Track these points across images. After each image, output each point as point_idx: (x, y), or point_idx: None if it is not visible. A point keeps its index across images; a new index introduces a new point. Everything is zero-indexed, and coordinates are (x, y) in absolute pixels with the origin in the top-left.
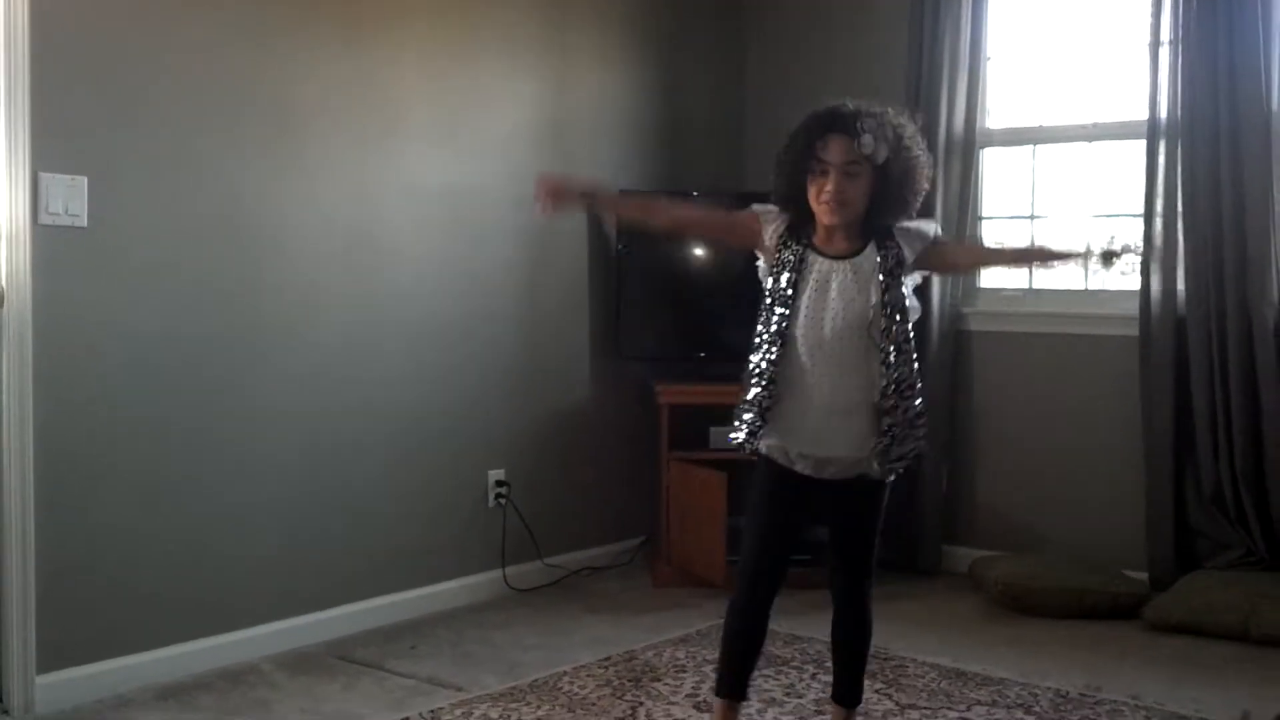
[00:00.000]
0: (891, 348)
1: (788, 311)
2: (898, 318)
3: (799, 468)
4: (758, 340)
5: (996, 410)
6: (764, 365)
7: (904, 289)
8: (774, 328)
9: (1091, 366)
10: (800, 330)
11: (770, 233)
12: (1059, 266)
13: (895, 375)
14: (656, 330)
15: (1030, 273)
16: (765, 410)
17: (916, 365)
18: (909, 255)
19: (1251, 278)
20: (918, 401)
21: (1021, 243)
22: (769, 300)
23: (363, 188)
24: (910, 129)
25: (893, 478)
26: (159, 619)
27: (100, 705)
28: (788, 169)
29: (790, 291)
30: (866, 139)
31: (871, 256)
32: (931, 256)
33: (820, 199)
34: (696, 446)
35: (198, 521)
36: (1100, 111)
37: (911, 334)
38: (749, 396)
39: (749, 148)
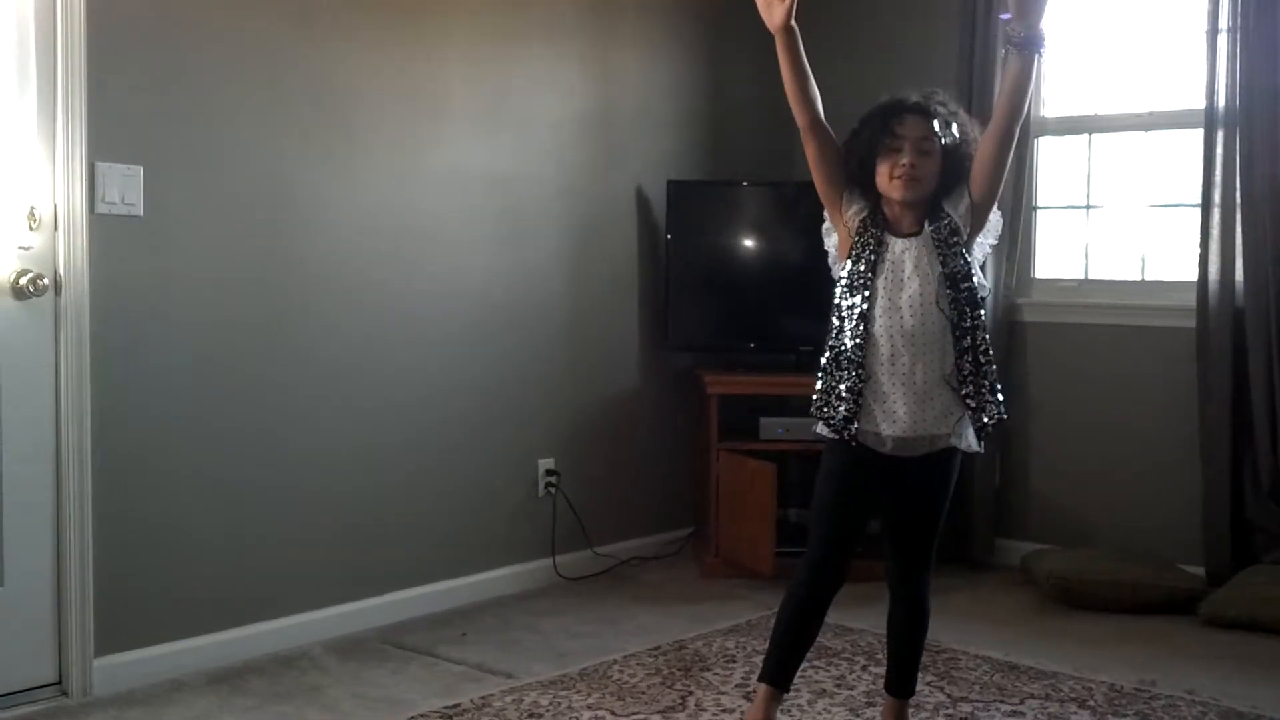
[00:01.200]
0: (959, 318)
1: (869, 293)
2: (963, 287)
3: (888, 449)
4: (838, 324)
5: (1050, 402)
6: (850, 348)
7: (967, 258)
8: (856, 312)
9: (1147, 358)
10: (880, 311)
11: (852, 213)
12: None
13: (966, 346)
14: (706, 320)
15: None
16: (859, 395)
17: (987, 337)
18: (959, 218)
19: None
20: (993, 370)
21: (1005, 81)
22: (846, 284)
23: (410, 177)
24: (964, 117)
25: (979, 448)
26: (212, 604)
27: (155, 688)
28: (861, 150)
29: (870, 275)
30: (945, 115)
31: (928, 231)
32: (970, 178)
33: (894, 174)
34: (745, 437)
35: (250, 508)
36: (1157, 100)
37: (980, 301)
38: (842, 384)
39: (797, 135)
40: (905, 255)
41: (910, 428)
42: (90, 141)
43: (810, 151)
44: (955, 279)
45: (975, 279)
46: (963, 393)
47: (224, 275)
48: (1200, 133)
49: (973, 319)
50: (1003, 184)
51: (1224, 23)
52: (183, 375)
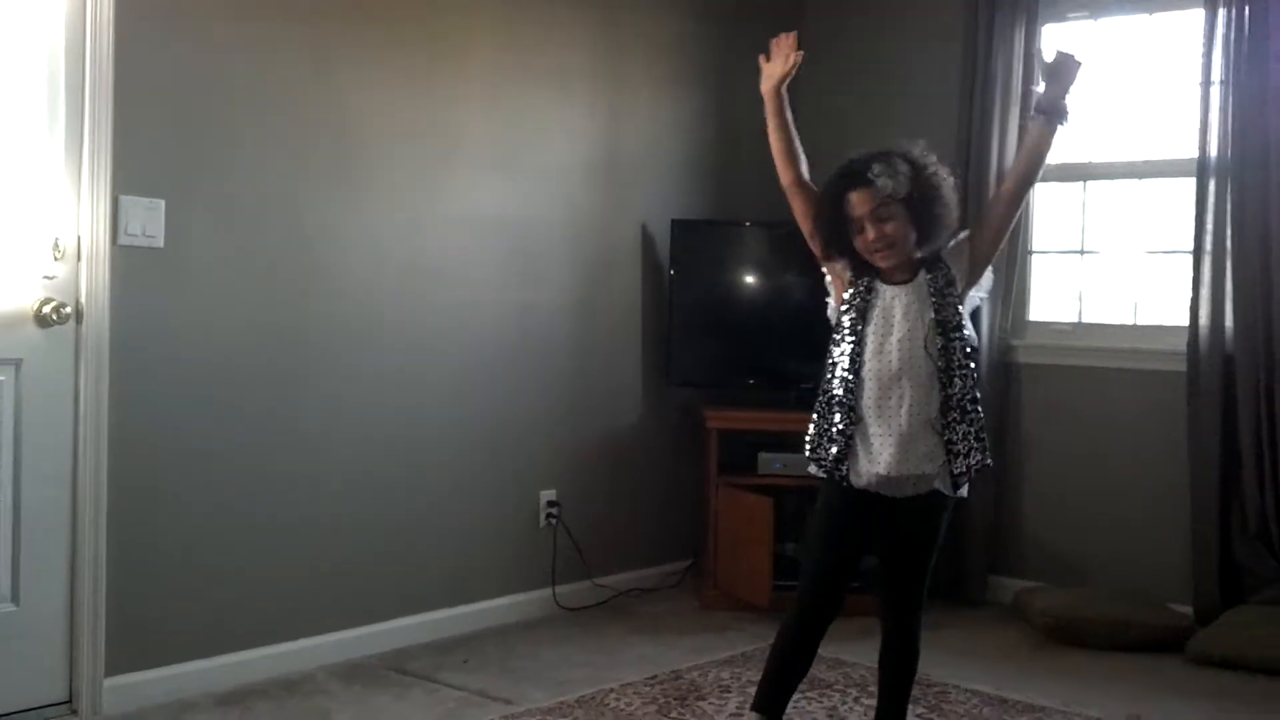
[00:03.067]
0: (947, 364)
1: (857, 338)
2: (952, 335)
3: (876, 489)
4: (831, 367)
5: (1043, 442)
6: (840, 393)
7: (959, 309)
8: (847, 358)
9: (1139, 400)
10: (869, 355)
11: (842, 265)
12: (1053, 136)
13: (953, 392)
14: (707, 356)
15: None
16: (849, 438)
17: (975, 385)
18: (957, 270)
19: None
20: (978, 418)
21: (1024, 145)
22: (838, 329)
23: (421, 216)
24: (917, 150)
25: (962, 494)
26: (221, 627)
27: (163, 709)
28: (828, 233)
29: (860, 322)
30: (881, 181)
31: (923, 280)
32: (977, 234)
33: (869, 250)
34: (744, 471)
35: (260, 534)
36: (1150, 149)
37: (970, 353)
38: (834, 426)
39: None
40: (895, 301)
41: (894, 467)
42: (114, 176)
43: (796, 208)
44: (946, 327)
45: (967, 330)
46: (944, 437)
47: (239, 307)
48: (1193, 181)
49: (961, 367)
50: (1007, 237)
51: (1216, 75)
52: (197, 403)
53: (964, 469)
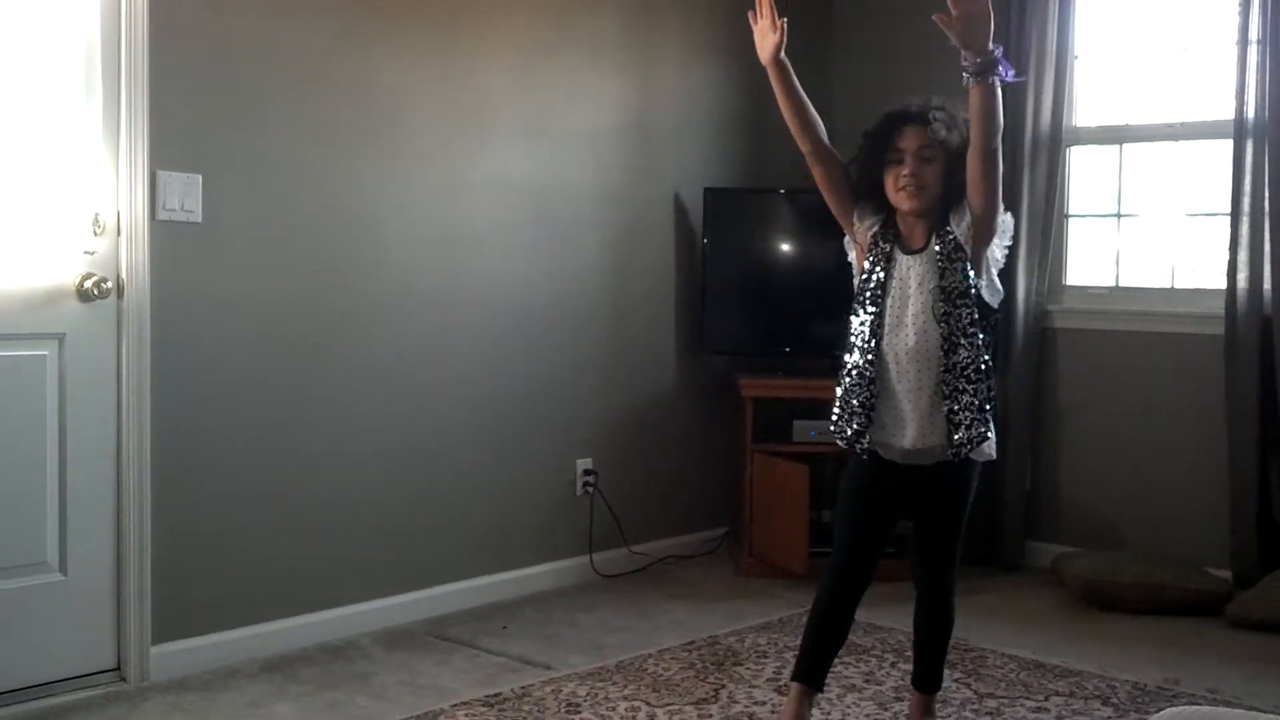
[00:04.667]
0: (949, 331)
1: (877, 310)
2: (957, 302)
3: (899, 459)
4: (852, 338)
5: (1081, 407)
6: (862, 364)
7: (968, 275)
8: (867, 327)
9: (1176, 364)
10: (888, 329)
11: (864, 228)
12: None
13: (956, 360)
14: (741, 325)
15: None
16: (870, 410)
17: (987, 355)
18: (962, 234)
19: None
20: (984, 388)
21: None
22: (861, 298)
23: (454, 184)
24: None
25: (970, 459)
26: (265, 595)
27: (210, 675)
28: (865, 164)
29: (880, 292)
30: (938, 125)
31: (934, 247)
32: (969, 193)
33: (899, 185)
34: (779, 439)
35: (302, 504)
36: (1187, 110)
37: (978, 320)
38: (854, 399)
39: (836, 144)
40: (910, 272)
41: (916, 439)
42: (152, 151)
43: (818, 176)
44: (951, 294)
45: (980, 288)
46: (944, 408)
47: (276, 280)
48: (1230, 143)
49: (966, 334)
50: (1000, 192)
51: (1254, 34)
52: (237, 375)
53: (964, 440)
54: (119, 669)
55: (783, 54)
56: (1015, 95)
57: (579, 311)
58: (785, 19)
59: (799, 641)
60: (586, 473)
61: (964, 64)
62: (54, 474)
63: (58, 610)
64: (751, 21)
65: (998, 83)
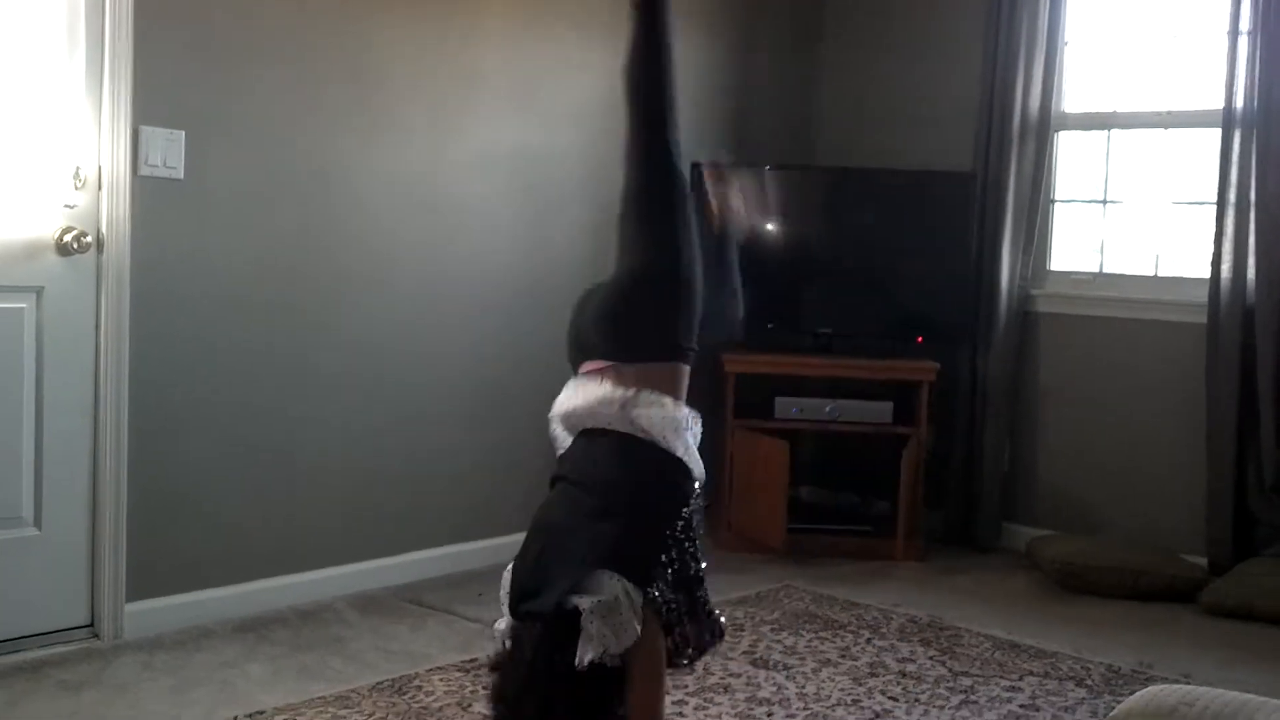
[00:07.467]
0: None
1: None
2: None
3: None
4: None
5: (1061, 392)
6: None
7: None
8: None
9: (1157, 352)
10: None
11: None
12: None
13: None
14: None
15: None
16: None
17: None
18: None
19: None
20: None
21: None
22: None
23: (439, 152)
24: None
25: None
26: (240, 556)
27: (183, 634)
28: None
29: None
30: None
31: None
32: None
33: None
34: (761, 415)
35: (279, 465)
36: (1176, 99)
37: None
38: None
39: (823, 122)
40: None
41: None
42: (135, 105)
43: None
44: None
45: None
46: None
47: (258, 240)
48: (1218, 132)
49: None
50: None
51: (1245, 25)
52: (217, 333)
53: None
54: (92, 625)
55: None
56: (1005, 79)
57: (563, 282)
58: None
59: (774, 616)
60: None
61: None
62: (30, 428)
63: (32, 565)
64: None
65: None
